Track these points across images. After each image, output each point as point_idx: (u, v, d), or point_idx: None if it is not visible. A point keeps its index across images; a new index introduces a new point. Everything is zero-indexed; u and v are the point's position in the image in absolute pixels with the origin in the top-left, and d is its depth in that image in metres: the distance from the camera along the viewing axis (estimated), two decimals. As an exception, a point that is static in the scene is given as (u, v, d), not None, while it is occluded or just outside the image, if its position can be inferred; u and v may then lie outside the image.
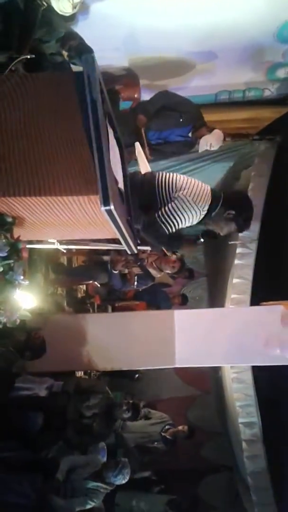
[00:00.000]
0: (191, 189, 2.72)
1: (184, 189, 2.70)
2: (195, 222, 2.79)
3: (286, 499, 4.89)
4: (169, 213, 2.68)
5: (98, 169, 1.80)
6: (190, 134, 4.26)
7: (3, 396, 3.90)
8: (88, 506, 3.87)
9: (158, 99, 4.23)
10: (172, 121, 4.19)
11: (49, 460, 3.86)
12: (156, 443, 5.35)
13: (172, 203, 2.68)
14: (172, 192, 2.71)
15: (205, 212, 2.74)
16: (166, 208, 2.68)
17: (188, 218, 2.73)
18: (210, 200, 2.73)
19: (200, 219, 2.77)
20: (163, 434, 5.37)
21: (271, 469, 4.89)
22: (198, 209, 2.71)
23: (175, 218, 2.70)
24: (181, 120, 4.19)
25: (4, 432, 3.73)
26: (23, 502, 3.59)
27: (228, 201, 2.75)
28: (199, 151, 4.24)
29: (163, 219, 2.69)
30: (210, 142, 4.13)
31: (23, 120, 1.90)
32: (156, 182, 2.77)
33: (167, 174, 2.85)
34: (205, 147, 4.16)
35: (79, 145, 1.89)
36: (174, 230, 2.75)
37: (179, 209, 2.68)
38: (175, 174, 2.86)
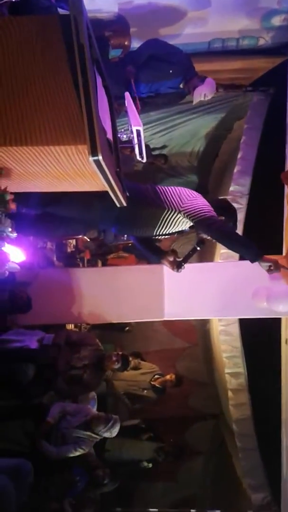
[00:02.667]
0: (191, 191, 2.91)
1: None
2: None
3: (268, 444, 5.12)
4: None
5: (85, 118, 1.75)
6: (181, 86, 4.14)
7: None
8: (78, 453, 4.03)
9: (146, 48, 4.08)
10: (162, 72, 4.06)
11: (40, 407, 3.96)
12: (145, 391, 5.51)
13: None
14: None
15: None
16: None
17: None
18: None
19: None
20: (152, 383, 5.52)
21: (255, 416, 5.08)
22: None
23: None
24: (170, 71, 4.07)
25: (-5, 382, 3.81)
26: (15, 448, 3.73)
27: (216, 207, 2.89)
28: (194, 103, 4.14)
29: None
30: (204, 92, 4.02)
31: (7, 67, 1.83)
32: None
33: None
34: (199, 98, 4.06)
35: (66, 93, 1.83)
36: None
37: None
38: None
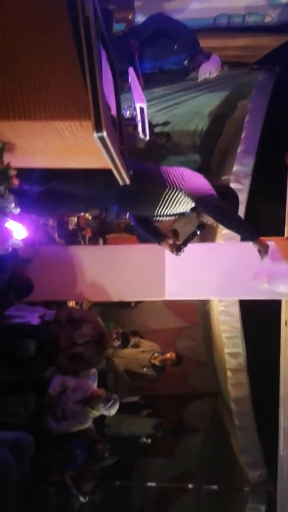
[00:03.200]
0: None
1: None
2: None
3: (265, 423, 5.19)
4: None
5: (90, 93, 1.73)
6: (185, 62, 4.08)
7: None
8: (77, 428, 4.10)
9: (150, 23, 4.00)
10: (166, 48, 4.00)
11: (41, 382, 4.02)
12: (145, 369, 5.58)
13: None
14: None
15: None
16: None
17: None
18: None
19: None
20: (152, 361, 5.59)
21: (254, 396, 5.14)
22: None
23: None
24: (175, 47, 4.00)
25: (-3, 357, 3.86)
26: (16, 422, 3.79)
27: (217, 192, 2.87)
28: (199, 80, 4.08)
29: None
30: (209, 69, 3.96)
31: (11, 42, 1.80)
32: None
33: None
34: (204, 75, 4.01)
35: (71, 68, 1.81)
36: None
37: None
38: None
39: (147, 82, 4.11)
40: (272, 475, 4.99)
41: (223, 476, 5.92)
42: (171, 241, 3.04)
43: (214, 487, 5.51)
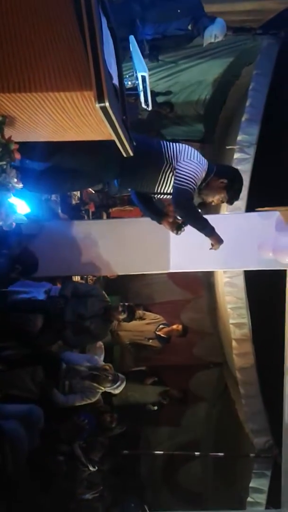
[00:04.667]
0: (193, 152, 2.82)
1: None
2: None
3: (270, 391, 5.26)
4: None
5: (91, 63, 1.68)
6: (189, 27, 3.96)
7: (2, 299, 4.00)
8: (84, 403, 4.18)
9: None
10: (169, 12, 3.87)
11: (49, 355, 4.06)
12: (150, 340, 5.63)
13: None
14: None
15: (205, 172, 2.81)
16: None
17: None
18: (207, 163, 2.83)
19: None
20: (157, 333, 5.63)
21: (258, 365, 5.20)
22: (203, 169, 2.79)
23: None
24: (178, 11, 3.87)
25: (4, 333, 3.88)
26: (25, 395, 3.85)
27: (222, 171, 2.89)
28: (204, 44, 3.96)
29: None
30: (214, 33, 3.85)
31: (9, 11, 1.74)
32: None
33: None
34: (210, 39, 3.89)
35: (71, 37, 1.75)
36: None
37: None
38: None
39: (150, 49, 4.00)
40: (278, 441, 5.09)
41: (229, 443, 6.04)
42: (171, 220, 3.00)
43: (220, 454, 5.62)
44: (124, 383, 4.37)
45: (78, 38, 1.74)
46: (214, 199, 2.94)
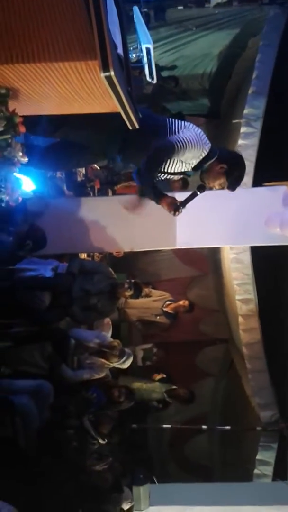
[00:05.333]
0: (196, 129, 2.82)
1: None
2: (194, 162, 2.84)
3: (277, 365, 5.31)
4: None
5: (95, 32, 1.65)
6: None
7: (9, 277, 4.02)
8: (93, 378, 4.23)
9: None
10: None
11: (57, 331, 4.09)
12: (158, 317, 5.65)
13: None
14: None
15: (206, 153, 2.80)
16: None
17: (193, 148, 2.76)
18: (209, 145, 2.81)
19: (198, 161, 2.83)
20: (164, 309, 5.65)
21: (265, 340, 5.22)
22: (201, 145, 2.78)
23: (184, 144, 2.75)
24: None
25: (12, 311, 3.91)
26: (35, 371, 3.90)
27: (224, 156, 2.87)
28: (211, 5, 3.88)
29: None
30: None
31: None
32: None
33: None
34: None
35: (74, 5, 1.71)
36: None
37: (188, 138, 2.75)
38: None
39: (155, 9, 3.93)
40: (284, 415, 5.15)
41: (236, 417, 6.12)
42: (169, 200, 2.96)
43: (227, 427, 5.70)
44: (131, 358, 4.41)
45: (82, 7, 1.70)
46: (214, 184, 2.94)
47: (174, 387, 5.66)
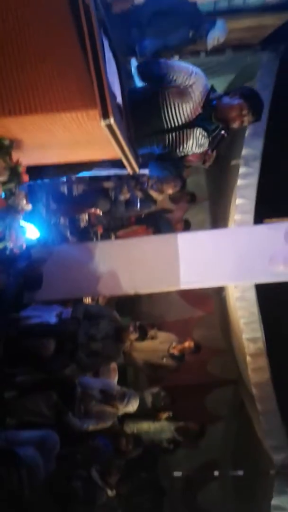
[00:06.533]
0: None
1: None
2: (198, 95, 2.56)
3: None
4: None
5: (95, 82, 1.70)
6: (190, 35, 4.02)
7: (14, 325, 4.00)
8: (100, 427, 4.13)
9: (149, 6, 3.95)
10: (168, 26, 3.94)
11: (62, 379, 4.02)
12: (164, 359, 5.55)
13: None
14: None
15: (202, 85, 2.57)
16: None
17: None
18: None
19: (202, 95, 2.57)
20: (170, 351, 5.57)
21: (274, 379, 5.12)
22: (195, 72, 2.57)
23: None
24: (177, 23, 3.95)
25: (17, 359, 3.86)
26: (40, 421, 3.81)
27: (230, 91, 2.65)
28: (208, 48, 4.02)
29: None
30: (217, 36, 3.91)
31: (14, 34, 1.77)
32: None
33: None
34: (213, 42, 3.95)
35: (74, 58, 1.78)
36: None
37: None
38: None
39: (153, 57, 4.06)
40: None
41: (248, 461, 5.92)
42: (197, 154, 2.70)
43: (240, 472, 5.51)
44: (136, 399, 4.31)
45: (81, 59, 1.77)
46: (235, 121, 2.63)
47: (182, 422, 5.51)
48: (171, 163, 2.79)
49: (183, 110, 2.58)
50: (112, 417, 4.31)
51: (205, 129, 2.67)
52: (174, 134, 2.63)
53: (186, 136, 2.65)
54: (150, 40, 3.96)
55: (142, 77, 2.72)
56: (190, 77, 2.55)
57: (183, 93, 2.55)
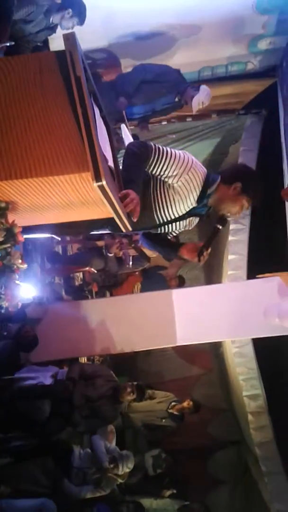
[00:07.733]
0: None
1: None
2: (191, 202, 2.46)
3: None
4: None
5: (87, 146, 1.79)
6: (176, 99, 4.27)
7: (8, 386, 3.92)
8: (98, 494, 3.97)
9: (135, 76, 4.22)
10: (155, 93, 4.21)
11: (58, 444, 3.90)
12: (163, 420, 5.40)
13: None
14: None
15: (200, 174, 2.46)
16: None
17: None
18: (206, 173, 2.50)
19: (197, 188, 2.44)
20: (169, 411, 5.43)
21: (278, 438, 4.97)
22: (191, 163, 2.49)
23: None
24: (163, 90, 4.22)
25: (12, 422, 3.76)
26: (36, 489, 3.64)
27: (228, 177, 2.48)
28: (193, 112, 4.25)
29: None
30: (202, 100, 4.14)
31: (8, 104, 1.89)
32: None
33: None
34: (198, 106, 4.18)
35: (66, 125, 1.88)
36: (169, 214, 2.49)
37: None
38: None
39: (141, 121, 4.27)
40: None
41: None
42: (189, 247, 2.58)
43: None
44: (129, 456, 4.19)
45: (74, 126, 1.87)
46: (235, 209, 2.48)
47: (187, 502, 5.25)
48: (160, 244, 2.72)
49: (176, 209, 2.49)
50: (111, 484, 4.14)
51: (197, 215, 2.57)
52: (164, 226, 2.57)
53: (175, 224, 2.58)
54: (138, 107, 4.21)
55: None
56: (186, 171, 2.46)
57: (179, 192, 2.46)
